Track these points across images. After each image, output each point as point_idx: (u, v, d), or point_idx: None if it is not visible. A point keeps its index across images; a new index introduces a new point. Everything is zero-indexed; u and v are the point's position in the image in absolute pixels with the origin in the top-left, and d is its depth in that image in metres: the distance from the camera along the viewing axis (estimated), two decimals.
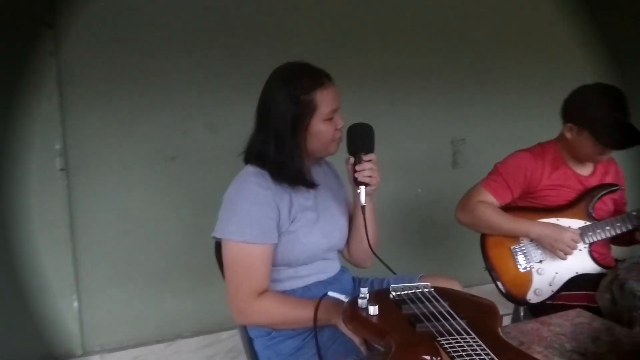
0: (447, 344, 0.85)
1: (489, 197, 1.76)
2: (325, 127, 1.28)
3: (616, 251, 1.85)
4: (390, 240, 2.79)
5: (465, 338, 0.87)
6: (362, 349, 1.10)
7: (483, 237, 1.80)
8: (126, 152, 2.25)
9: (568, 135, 1.72)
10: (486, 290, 1.79)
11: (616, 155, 1.80)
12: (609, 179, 1.79)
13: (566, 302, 1.62)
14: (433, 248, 2.95)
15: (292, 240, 1.28)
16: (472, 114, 2.95)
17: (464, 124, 2.94)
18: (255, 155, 1.31)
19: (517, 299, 1.72)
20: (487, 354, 0.80)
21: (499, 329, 0.95)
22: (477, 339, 0.86)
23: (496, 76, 3.00)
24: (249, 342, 1.35)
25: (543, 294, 1.69)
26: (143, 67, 2.23)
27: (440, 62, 2.85)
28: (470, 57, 2.92)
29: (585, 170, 1.78)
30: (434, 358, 0.85)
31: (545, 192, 1.75)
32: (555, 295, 1.69)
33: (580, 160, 1.76)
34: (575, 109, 1.70)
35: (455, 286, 1.41)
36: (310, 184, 1.33)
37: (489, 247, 1.77)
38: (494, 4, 2.94)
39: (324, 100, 1.27)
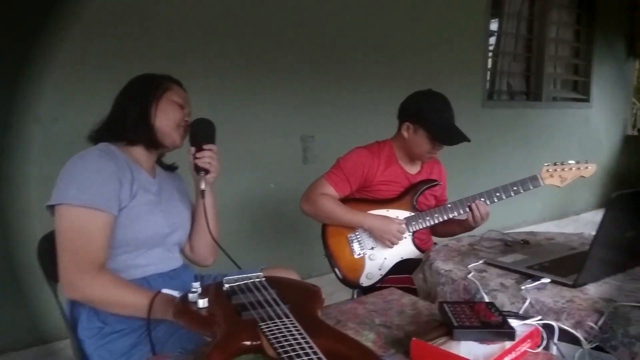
0: (266, 328, 0.91)
1: (330, 189, 1.88)
2: (173, 107, 1.38)
3: None
4: (243, 234, 2.84)
5: (284, 321, 0.93)
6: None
7: (324, 227, 1.92)
8: None
9: (405, 134, 1.90)
10: (333, 278, 1.93)
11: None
12: (433, 178, 2.00)
13: (393, 285, 1.79)
14: (285, 241, 3.06)
15: (132, 218, 1.27)
16: (320, 112, 3.11)
17: (313, 121, 3.09)
18: (104, 130, 1.35)
19: (351, 283, 1.87)
20: (300, 333, 0.88)
21: (318, 311, 1.04)
22: (295, 322, 0.93)
23: (343, 76, 3.19)
24: (78, 344, 1.28)
25: (374, 278, 1.87)
26: None
27: (290, 63, 2.96)
28: (318, 58, 3.08)
29: (413, 169, 1.99)
30: (254, 342, 0.91)
31: (379, 186, 1.92)
32: (383, 279, 1.87)
33: (413, 158, 1.96)
34: (412, 110, 1.88)
35: (293, 275, 1.50)
36: (163, 146, 1.39)
37: (329, 235, 1.90)
38: (339, 7, 3.12)
39: (176, 91, 1.41)
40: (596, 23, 5.07)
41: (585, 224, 4.95)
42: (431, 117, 1.83)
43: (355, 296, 1.96)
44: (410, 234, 1.88)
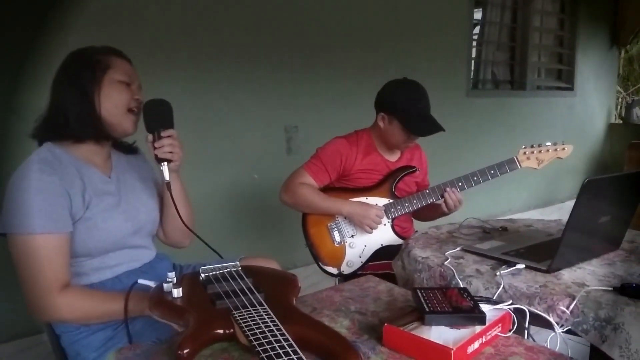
0: (239, 316, 0.91)
1: (309, 179, 1.88)
2: (119, 89, 1.25)
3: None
4: (226, 225, 2.84)
5: (258, 310, 0.94)
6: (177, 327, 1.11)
7: (304, 217, 1.93)
8: None
9: (381, 124, 1.90)
10: (317, 268, 1.94)
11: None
12: (413, 164, 2.01)
13: (373, 272, 1.81)
14: (270, 232, 3.05)
15: (90, 228, 1.21)
16: (303, 103, 3.10)
17: (296, 111, 3.08)
18: (46, 127, 1.25)
19: (332, 271, 1.88)
20: (272, 321, 0.88)
21: (294, 299, 1.05)
22: (268, 310, 0.94)
23: (327, 66, 3.18)
24: (55, 339, 1.28)
25: (354, 265, 1.88)
26: None
27: (273, 53, 2.94)
28: (302, 48, 3.06)
29: (392, 157, 1.99)
30: (226, 331, 0.91)
31: (358, 175, 1.93)
32: (364, 266, 1.88)
33: (390, 147, 1.96)
34: (386, 101, 1.89)
35: (273, 265, 1.49)
36: (114, 137, 1.31)
37: (309, 225, 1.91)
38: None
39: (119, 65, 1.26)
40: (580, 12, 5.09)
41: (568, 211, 4.99)
42: (405, 108, 1.83)
43: (336, 284, 1.96)
44: (390, 220, 1.89)
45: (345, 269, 1.87)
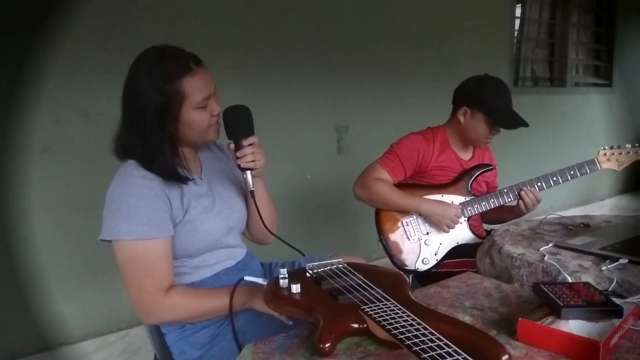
0: (371, 310, 0.91)
1: (385, 174, 1.87)
2: (198, 116, 1.20)
3: None
4: (280, 223, 2.84)
5: (386, 304, 0.93)
6: (285, 320, 1.11)
7: (377, 212, 1.92)
8: None
9: (461, 118, 1.89)
10: (382, 264, 1.93)
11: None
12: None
13: (449, 269, 1.81)
14: (322, 232, 3.05)
15: (190, 230, 1.23)
16: (353, 103, 3.10)
17: (346, 112, 3.08)
18: (122, 149, 1.21)
19: (406, 267, 1.87)
20: (408, 315, 0.88)
21: (411, 294, 1.04)
22: (397, 304, 0.93)
23: (373, 66, 3.18)
24: (158, 336, 1.29)
25: (429, 263, 1.86)
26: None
27: (323, 53, 2.95)
28: (350, 49, 3.06)
29: (466, 155, 1.98)
30: (360, 325, 0.91)
31: (434, 171, 1.92)
32: (439, 264, 1.87)
33: (468, 144, 1.95)
34: (471, 94, 1.87)
35: (361, 261, 1.50)
36: (184, 179, 1.23)
37: (383, 220, 1.90)
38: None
39: (193, 88, 1.17)
40: (617, 7, 5.02)
41: (610, 209, 4.93)
42: (490, 101, 1.82)
43: (410, 281, 1.96)
44: (466, 219, 1.88)
45: (420, 266, 1.86)
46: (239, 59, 2.61)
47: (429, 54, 3.45)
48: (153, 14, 2.32)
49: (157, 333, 1.29)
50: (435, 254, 1.86)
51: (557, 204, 4.71)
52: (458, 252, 1.86)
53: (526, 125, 1.80)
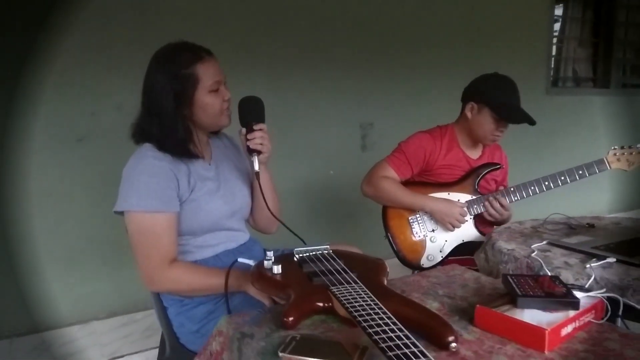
0: (337, 291, 0.98)
1: (391, 172, 1.92)
2: (211, 99, 1.33)
3: None
4: (303, 220, 2.93)
5: (354, 286, 1.00)
6: (269, 304, 1.21)
7: (384, 209, 1.97)
8: (33, 134, 2.21)
9: (469, 114, 1.91)
10: (392, 263, 1.98)
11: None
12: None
13: None
14: (344, 227, 3.12)
15: (195, 208, 1.34)
16: (378, 100, 3.14)
17: (371, 109, 3.12)
18: (139, 134, 1.35)
19: (412, 264, 1.92)
20: (369, 296, 0.94)
21: (385, 280, 1.10)
22: (364, 287, 1.00)
23: (401, 64, 3.21)
24: (162, 310, 1.41)
25: (434, 260, 1.90)
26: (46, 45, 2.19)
27: (348, 52, 3.01)
28: (377, 46, 3.11)
29: (474, 154, 2.00)
30: (325, 304, 0.99)
31: (441, 170, 1.95)
32: (444, 261, 1.90)
33: (476, 141, 1.96)
34: (478, 90, 1.90)
35: (357, 251, 1.56)
36: (194, 155, 1.36)
37: (389, 217, 1.95)
38: None
39: (206, 72, 1.31)
40: None
41: None
42: (496, 96, 1.83)
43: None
44: (472, 217, 1.90)
45: (425, 263, 1.90)
46: (266, 60, 2.71)
47: (460, 54, 3.44)
48: (183, 15, 2.45)
49: (161, 307, 1.41)
50: (441, 251, 1.90)
51: (598, 208, 4.56)
52: (464, 249, 1.88)
53: (532, 122, 1.80)
